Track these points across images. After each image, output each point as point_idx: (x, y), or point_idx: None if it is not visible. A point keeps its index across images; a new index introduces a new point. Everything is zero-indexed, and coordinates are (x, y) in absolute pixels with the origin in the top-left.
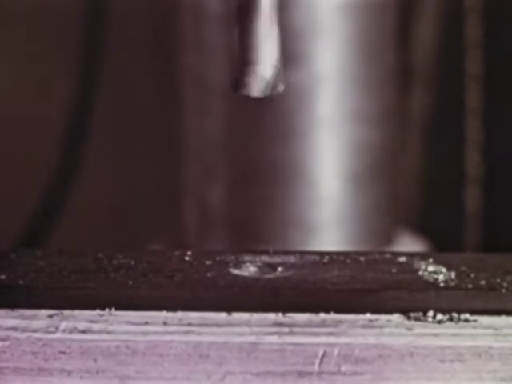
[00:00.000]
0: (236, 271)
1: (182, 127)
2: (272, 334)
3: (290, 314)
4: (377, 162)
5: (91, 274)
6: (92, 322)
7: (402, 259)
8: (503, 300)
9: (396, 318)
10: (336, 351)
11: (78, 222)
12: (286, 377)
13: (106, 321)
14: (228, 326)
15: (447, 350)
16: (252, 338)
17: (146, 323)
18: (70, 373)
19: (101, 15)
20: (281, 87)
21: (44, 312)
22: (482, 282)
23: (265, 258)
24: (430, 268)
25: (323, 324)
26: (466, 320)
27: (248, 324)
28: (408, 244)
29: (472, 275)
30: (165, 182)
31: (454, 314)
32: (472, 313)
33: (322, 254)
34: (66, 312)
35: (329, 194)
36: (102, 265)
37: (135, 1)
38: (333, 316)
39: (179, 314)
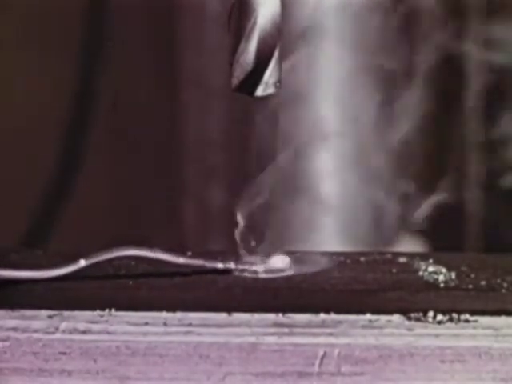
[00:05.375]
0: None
1: (181, 127)
2: (272, 334)
3: (289, 315)
4: (377, 162)
5: (91, 274)
6: (92, 322)
7: (403, 259)
8: (503, 300)
9: (396, 318)
10: (336, 352)
11: (78, 222)
12: (286, 377)
13: (106, 321)
14: (228, 327)
15: (447, 351)
16: (252, 339)
17: (146, 324)
18: (70, 373)
19: (101, 15)
20: (278, 86)
21: (44, 312)
22: (482, 283)
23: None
24: (430, 268)
25: (323, 324)
26: (466, 320)
27: (248, 324)
28: (408, 244)
29: (472, 275)
30: (165, 182)
31: (454, 315)
32: (472, 313)
33: (322, 254)
34: (66, 312)
35: (329, 195)
36: (102, 265)
37: (135, 1)
38: (333, 316)
39: (179, 315)
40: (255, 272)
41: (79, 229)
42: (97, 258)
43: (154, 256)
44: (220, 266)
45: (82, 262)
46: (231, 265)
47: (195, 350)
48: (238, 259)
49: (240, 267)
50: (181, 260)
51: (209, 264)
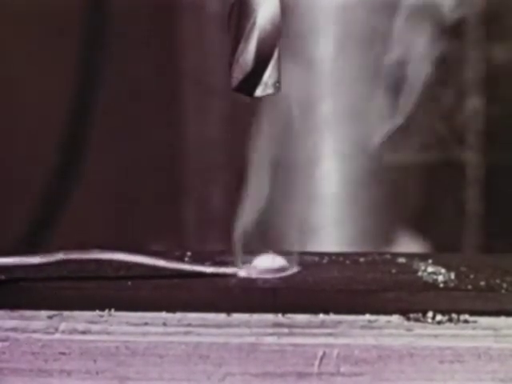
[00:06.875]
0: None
1: (182, 127)
2: (271, 334)
3: (289, 315)
4: (377, 161)
5: (91, 274)
6: (92, 322)
7: (402, 260)
8: (502, 301)
9: (395, 318)
10: (335, 352)
11: (78, 222)
12: (286, 377)
13: (106, 321)
14: (227, 327)
15: (447, 351)
16: (251, 339)
17: (146, 324)
18: (69, 373)
19: (101, 15)
20: (278, 87)
21: (44, 313)
22: (482, 283)
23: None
24: (430, 269)
25: (322, 325)
26: (466, 321)
27: (247, 325)
28: (408, 245)
29: (471, 276)
30: (165, 183)
31: (454, 315)
32: (471, 314)
33: (321, 254)
34: (66, 313)
35: (329, 194)
36: (102, 265)
37: (135, 1)
38: (332, 317)
39: (179, 315)
40: (247, 274)
41: (79, 229)
42: (76, 255)
43: (132, 259)
44: (209, 270)
45: (61, 255)
46: (220, 269)
47: (195, 350)
48: (234, 260)
49: (229, 271)
50: (161, 263)
51: (197, 268)
